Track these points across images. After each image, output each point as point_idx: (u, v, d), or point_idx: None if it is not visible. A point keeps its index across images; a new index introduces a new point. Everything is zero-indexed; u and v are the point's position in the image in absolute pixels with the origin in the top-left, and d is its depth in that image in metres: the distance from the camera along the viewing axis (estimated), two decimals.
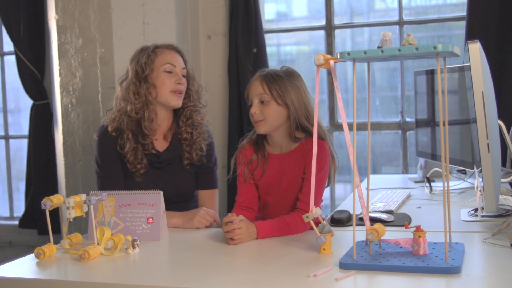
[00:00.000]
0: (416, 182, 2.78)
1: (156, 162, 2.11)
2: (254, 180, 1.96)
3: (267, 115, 1.85)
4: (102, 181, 2.13)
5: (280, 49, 3.89)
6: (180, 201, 2.15)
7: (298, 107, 1.85)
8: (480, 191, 1.86)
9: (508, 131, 2.02)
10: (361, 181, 2.50)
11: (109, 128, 2.11)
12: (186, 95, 2.14)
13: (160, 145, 2.14)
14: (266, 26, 3.73)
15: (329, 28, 3.62)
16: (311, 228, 1.95)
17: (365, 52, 1.36)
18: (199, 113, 2.18)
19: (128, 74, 2.12)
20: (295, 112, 1.85)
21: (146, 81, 2.06)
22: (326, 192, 3.71)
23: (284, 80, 1.85)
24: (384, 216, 1.91)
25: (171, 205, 2.09)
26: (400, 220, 1.90)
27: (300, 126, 1.87)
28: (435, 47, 1.29)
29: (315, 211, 1.52)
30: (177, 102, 2.09)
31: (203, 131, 2.17)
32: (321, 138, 1.86)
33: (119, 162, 2.11)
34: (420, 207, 2.16)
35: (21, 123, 4.33)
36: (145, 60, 2.07)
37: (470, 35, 3.06)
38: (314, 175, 1.54)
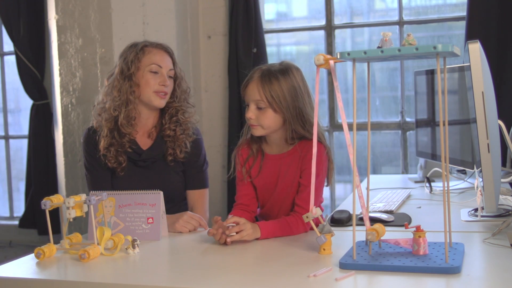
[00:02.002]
0: (416, 182, 2.78)
1: (138, 160, 2.10)
2: (251, 178, 1.95)
3: (263, 123, 1.81)
4: (89, 184, 2.15)
5: (280, 49, 3.89)
6: (169, 202, 2.12)
7: (293, 113, 1.80)
8: (480, 191, 1.86)
9: (508, 131, 2.02)
10: (361, 181, 2.50)
11: (94, 123, 2.12)
12: (171, 96, 2.13)
13: (144, 143, 2.13)
14: (266, 26, 3.73)
15: (329, 28, 3.62)
16: (311, 228, 1.96)
17: (365, 52, 1.36)
18: (186, 112, 2.15)
19: (115, 69, 2.11)
20: (291, 119, 1.80)
21: (130, 79, 2.06)
22: (326, 192, 3.72)
23: (282, 83, 1.78)
24: (384, 216, 1.91)
25: (166, 204, 2.08)
26: (400, 220, 1.90)
27: (296, 132, 1.84)
28: (435, 47, 1.29)
29: (315, 211, 1.52)
30: (160, 102, 2.08)
31: (188, 127, 2.14)
32: (318, 140, 1.85)
33: (105, 164, 2.10)
34: (420, 207, 2.16)
35: (21, 123, 4.33)
36: (132, 58, 2.06)
37: (470, 35, 3.06)
38: (314, 174, 1.54)
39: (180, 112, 2.13)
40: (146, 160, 2.10)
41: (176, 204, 2.15)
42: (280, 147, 1.91)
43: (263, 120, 1.81)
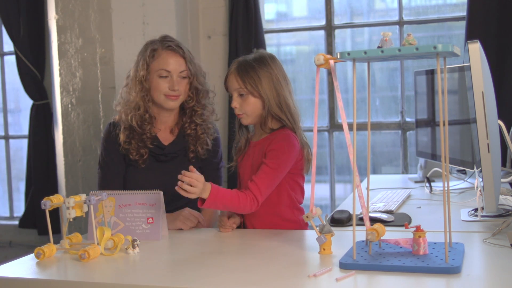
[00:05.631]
0: (416, 182, 2.78)
1: (160, 154, 2.12)
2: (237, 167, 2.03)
3: (247, 109, 1.91)
4: (99, 181, 2.16)
5: (280, 49, 3.89)
6: (185, 197, 2.15)
7: (271, 96, 1.88)
8: (480, 191, 1.86)
9: (508, 131, 2.02)
10: (361, 181, 2.50)
11: (117, 118, 2.15)
12: (186, 95, 2.14)
13: (166, 138, 2.15)
14: (266, 26, 3.73)
15: (329, 28, 3.62)
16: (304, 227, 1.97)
17: (365, 52, 1.36)
18: (204, 110, 2.17)
19: (132, 69, 2.15)
20: (268, 102, 1.88)
21: (141, 83, 2.08)
22: (326, 192, 3.72)
23: (257, 70, 1.88)
24: (384, 216, 1.91)
25: (179, 201, 2.09)
26: (400, 220, 1.90)
27: (274, 116, 1.90)
28: (435, 47, 1.29)
29: (315, 211, 1.52)
30: (171, 104, 2.10)
31: (208, 127, 2.17)
32: (290, 128, 1.90)
33: (121, 161, 2.12)
34: (420, 207, 2.16)
35: (21, 123, 4.33)
36: (143, 62, 2.09)
37: (470, 35, 3.06)
38: (314, 174, 1.54)
39: (198, 114, 2.15)
40: (168, 154, 2.13)
41: (191, 201, 2.17)
42: (259, 134, 1.97)
43: (246, 106, 1.90)
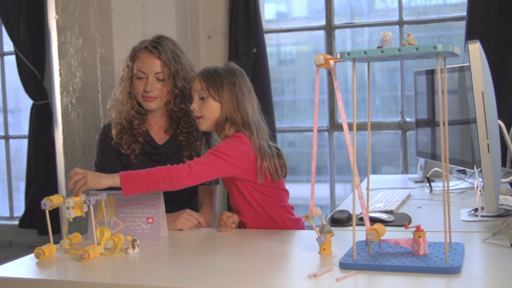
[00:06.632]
0: (416, 182, 2.78)
1: (155, 154, 2.12)
2: None
3: (205, 113, 1.91)
4: None
5: (280, 49, 3.89)
6: (181, 197, 2.15)
7: (229, 103, 1.89)
8: (480, 191, 1.86)
9: (508, 131, 2.02)
10: (361, 181, 2.50)
11: (110, 118, 2.16)
12: (166, 98, 2.11)
13: (160, 137, 2.15)
14: (266, 26, 3.73)
15: (329, 28, 3.62)
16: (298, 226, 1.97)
17: (365, 52, 1.36)
18: (190, 117, 2.12)
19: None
20: (225, 106, 1.89)
21: (124, 82, 2.12)
22: (326, 192, 3.72)
23: (222, 77, 1.91)
24: (384, 216, 1.91)
25: (176, 201, 2.09)
26: (400, 220, 1.90)
27: (230, 122, 1.91)
28: (435, 47, 1.29)
29: (315, 211, 1.52)
30: (148, 105, 2.09)
31: (200, 132, 2.14)
32: (239, 130, 1.89)
33: (117, 162, 2.12)
34: (420, 207, 2.16)
35: (21, 123, 4.34)
36: (126, 62, 2.12)
37: (470, 35, 3.06)
38: (314, 174, 1.54)
39: (184, 121, 2.12)
40: (162, 154, 2.13)
41: (187, 200, 2.17)
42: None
43: (205, 109, 1.91)
